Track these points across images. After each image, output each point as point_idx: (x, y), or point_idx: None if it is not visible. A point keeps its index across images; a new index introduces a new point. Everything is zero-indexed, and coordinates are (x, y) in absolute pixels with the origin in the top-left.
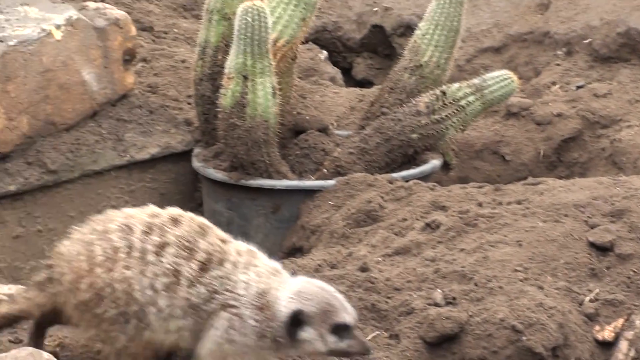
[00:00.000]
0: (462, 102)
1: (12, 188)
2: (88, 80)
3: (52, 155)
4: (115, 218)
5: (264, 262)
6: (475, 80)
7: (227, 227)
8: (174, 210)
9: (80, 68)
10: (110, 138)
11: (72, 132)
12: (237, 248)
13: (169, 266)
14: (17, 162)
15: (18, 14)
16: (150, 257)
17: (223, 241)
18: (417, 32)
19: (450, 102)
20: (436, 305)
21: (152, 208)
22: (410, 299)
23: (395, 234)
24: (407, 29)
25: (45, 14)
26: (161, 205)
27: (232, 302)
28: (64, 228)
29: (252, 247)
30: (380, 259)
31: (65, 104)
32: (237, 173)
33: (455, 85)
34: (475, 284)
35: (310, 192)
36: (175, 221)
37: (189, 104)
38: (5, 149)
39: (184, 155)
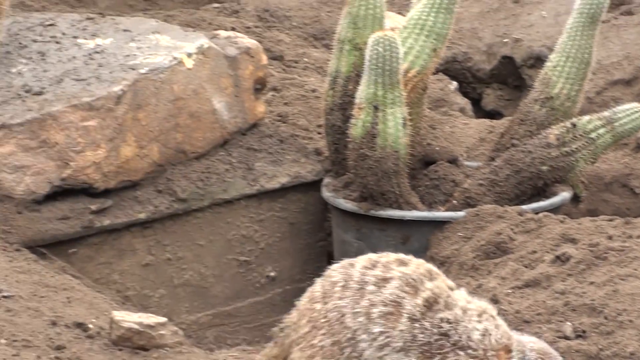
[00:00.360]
0: (593, 135)
1: (142, 216)
2: (219, 109)
3: (182, 184)
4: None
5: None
6: (606, 113)
7: (356, 257)
8: (403, 255)
9: (211, 97)
10: (240, 167)
11: (202, 160)
12: (465, 296)
13: (389, 296)
14: (148, 190)
15: (149, 42)
16: (369, 288)
17: (450, 288)
18: (548, 63)
19: (580, 135)
20: (566, 338)
21: (384, 253)
22: (540, 331)
23: (525, 267)
24: (537, 61)
25: (177, 42)
26: (290, 234)
27: (468, 344)
28: (193, 257)
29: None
30: (509, 291)
31: (196, 132)
32: (367, 203)
33: (586, 117)
34: (605, 317)
35: (439, 223)
36: (401, 262)
37: (319, 133)
38: (135, 177)
39: (314, 185)
